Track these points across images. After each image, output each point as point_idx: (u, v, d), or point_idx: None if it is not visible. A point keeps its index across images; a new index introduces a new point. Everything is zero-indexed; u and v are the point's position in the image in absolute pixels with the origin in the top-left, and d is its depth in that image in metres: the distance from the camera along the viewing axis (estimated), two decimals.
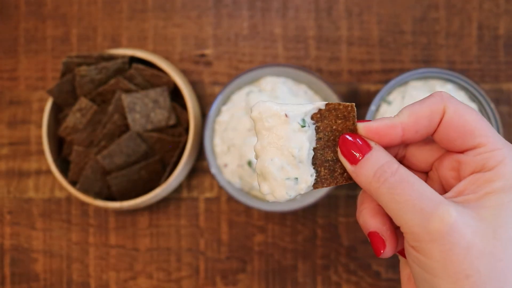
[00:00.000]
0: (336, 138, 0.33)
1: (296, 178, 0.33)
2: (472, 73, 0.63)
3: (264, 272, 0.63)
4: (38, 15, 0.67)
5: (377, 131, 0.31)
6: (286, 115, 0.32)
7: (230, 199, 0.63)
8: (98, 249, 0.64)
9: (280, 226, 0.63)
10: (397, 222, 0.29)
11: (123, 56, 0.59)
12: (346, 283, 0.63)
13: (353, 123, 0.33)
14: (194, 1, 0.65)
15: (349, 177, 0.33)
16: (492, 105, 0.57)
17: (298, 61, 0.64)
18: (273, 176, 0.32)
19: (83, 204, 0.65)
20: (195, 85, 0.65)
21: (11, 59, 0.67)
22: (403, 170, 0.30)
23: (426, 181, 0.33)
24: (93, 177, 0.58)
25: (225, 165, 0.58)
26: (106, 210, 0.65)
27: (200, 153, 0.63)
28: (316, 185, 0.34)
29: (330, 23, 0.64)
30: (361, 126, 0.32)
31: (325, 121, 0.33)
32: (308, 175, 0.33)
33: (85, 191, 0.58)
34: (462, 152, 0.31)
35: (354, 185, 0.63)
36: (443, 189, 0.33)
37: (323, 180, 0.34)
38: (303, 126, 0.32)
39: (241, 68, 0.65)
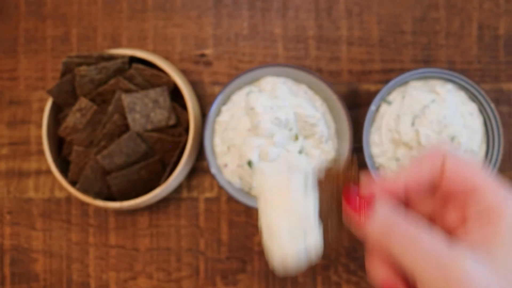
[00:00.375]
0: (339, 199, 0.32)
1: (305, 248, 0.32)
2: (472, 73, 0.63)
3: (264, 272, 0.63)
4: (38, 15, 0.67)
5: (379, 190, 0.32)
6: (288, 182, 0.32)
7: (230, 199, 0.63)
8: (98, 249, 0.64)
9: None
10: (411, 273, 0.29)
11: (123, 56, 0.59)
12: (346, 283, 0.62)
13: (355, 180, 0.32)
14: (194, 1, 0.65)
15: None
16: (492, 105, 0.57)
17: (298, 61, 0.64)
18: (283, 247, 0.31)
19: (83, 204, 0.65)
20: (195, 85, 0.65)
21: (11, 59, 0.67)
22: (411, 228, 0.30)
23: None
24: (93, 177, 0.58)
25: (225, 165, 0.58)
26: (106, 210, 0.65)
27: (200, 153, 0.63)
28: (325, 250, 0.33)
29: (330, 23, 0.64)
30: (364, 187, 0.32)
31: (328, 184, 0.33)
32: (316, 240, 0.32)
33: (85, 191, 0.58)
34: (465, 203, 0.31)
35: None
36: (448, 228, 0.33)
37: (331, 243, 0.33)
38: (306, 191, 0.32)
39: (241, 68, 0.65)
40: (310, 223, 0.32)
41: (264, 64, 0.60)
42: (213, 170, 0.57)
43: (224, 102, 0.59)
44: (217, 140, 0.58)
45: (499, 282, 0.27)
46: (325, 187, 0.33)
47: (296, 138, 0.57)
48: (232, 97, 0.59)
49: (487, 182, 0.30)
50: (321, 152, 0.57)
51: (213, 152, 0.58)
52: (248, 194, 0.59)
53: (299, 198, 0.32)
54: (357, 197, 0.31)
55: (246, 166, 0.55)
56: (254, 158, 0.55)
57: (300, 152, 0.57)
